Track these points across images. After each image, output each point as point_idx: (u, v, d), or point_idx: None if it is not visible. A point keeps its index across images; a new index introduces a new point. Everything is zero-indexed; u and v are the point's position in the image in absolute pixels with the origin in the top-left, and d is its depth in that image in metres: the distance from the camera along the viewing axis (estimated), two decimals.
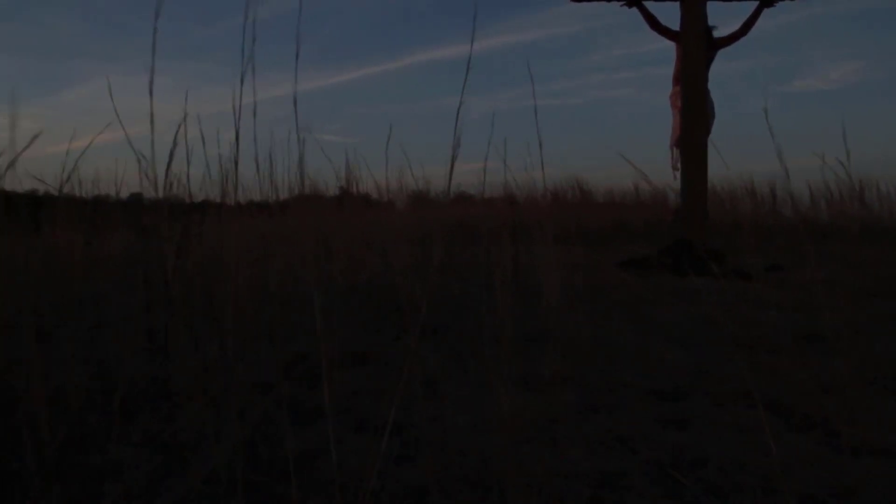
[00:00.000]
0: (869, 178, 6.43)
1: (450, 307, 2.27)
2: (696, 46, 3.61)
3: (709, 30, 3.79)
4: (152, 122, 1.26)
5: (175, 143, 1.56)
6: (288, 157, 3.64)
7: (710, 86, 3.84)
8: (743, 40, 3.95)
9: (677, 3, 3.73)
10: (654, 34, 3.98)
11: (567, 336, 1.83)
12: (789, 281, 3.15)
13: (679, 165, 3.95)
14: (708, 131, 3.72)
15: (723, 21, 3.83)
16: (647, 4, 3.91)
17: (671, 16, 3.98)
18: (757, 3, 3.92)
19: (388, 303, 2.25)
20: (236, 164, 1.49)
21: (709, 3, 3.67)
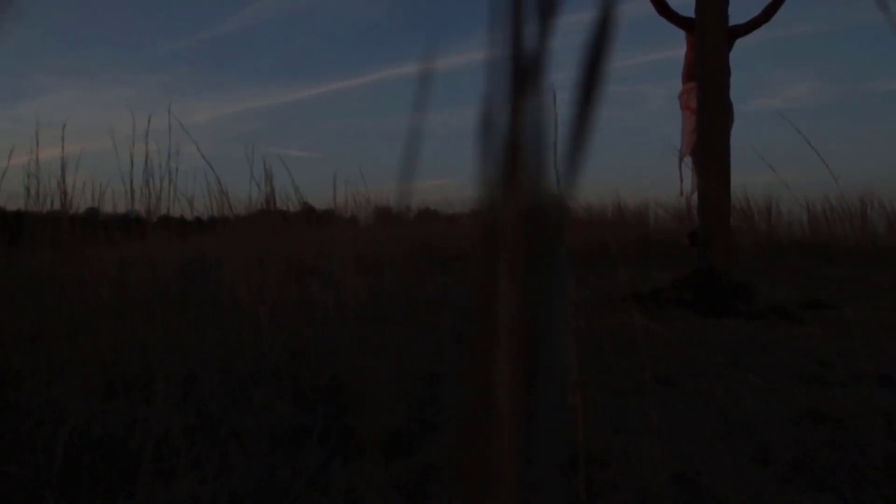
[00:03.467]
0: (869, 195, 5.90)
1: (418, 391, 1.49)
2: (716, 33, 2.94)
3: None
4: None
5: None
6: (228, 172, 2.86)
7: None
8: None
9: None
10: (656, 28, 3.31)
11: (624, 462, 1.07)
12: (852, 324, 2.46)
13: (693, 177, 3.28)
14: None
15: (734, 9, 3.16)
16: None
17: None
18: None
19: (318, 386, 1.46)
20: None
21: None
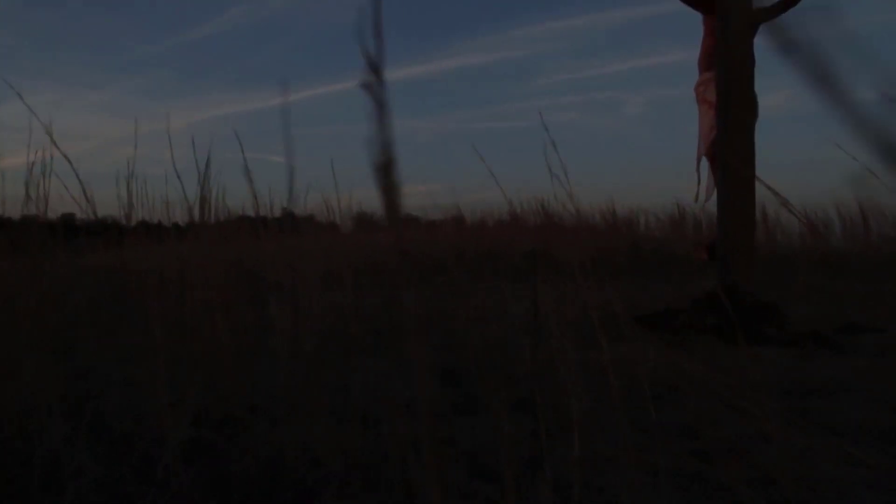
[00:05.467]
0: (869, 203, 5.59)
1: (394, 474, 1.05)
2: (741, 16, 2.56)
3: None
4: None
5: None
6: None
7: None
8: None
9: None
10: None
11: None
12: None
13: (709, 180, 2.90)
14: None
15: None
16: None
17: None
18: None
19: (247, 474, 1.02)
20: None
21: None
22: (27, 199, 1.40)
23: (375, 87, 0.39)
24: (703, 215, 6.43)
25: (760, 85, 2.66)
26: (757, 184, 2.61)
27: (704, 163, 2.82)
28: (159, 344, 1.11)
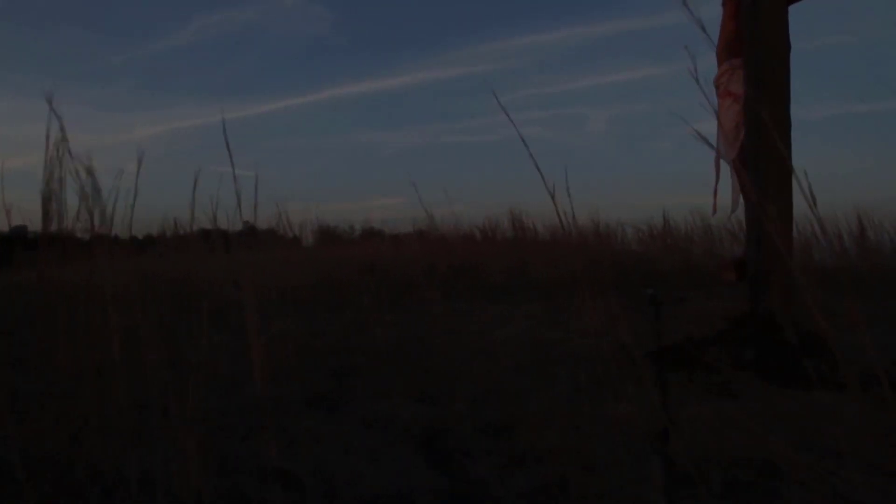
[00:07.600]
0: (866, 215, 5.28)
1: None
2: None
3: None
4: None
5: None
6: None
7: None
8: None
9: None
10: None
11: None
12: None
13: (734, 189, 2.50)
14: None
15: None
16: None
17: None
18: None
19: None
20: None
21: None
22: None
23: None
24: (690, 229, 6.07)
25: None
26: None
27: (725, 167, 2.41)
28: None
